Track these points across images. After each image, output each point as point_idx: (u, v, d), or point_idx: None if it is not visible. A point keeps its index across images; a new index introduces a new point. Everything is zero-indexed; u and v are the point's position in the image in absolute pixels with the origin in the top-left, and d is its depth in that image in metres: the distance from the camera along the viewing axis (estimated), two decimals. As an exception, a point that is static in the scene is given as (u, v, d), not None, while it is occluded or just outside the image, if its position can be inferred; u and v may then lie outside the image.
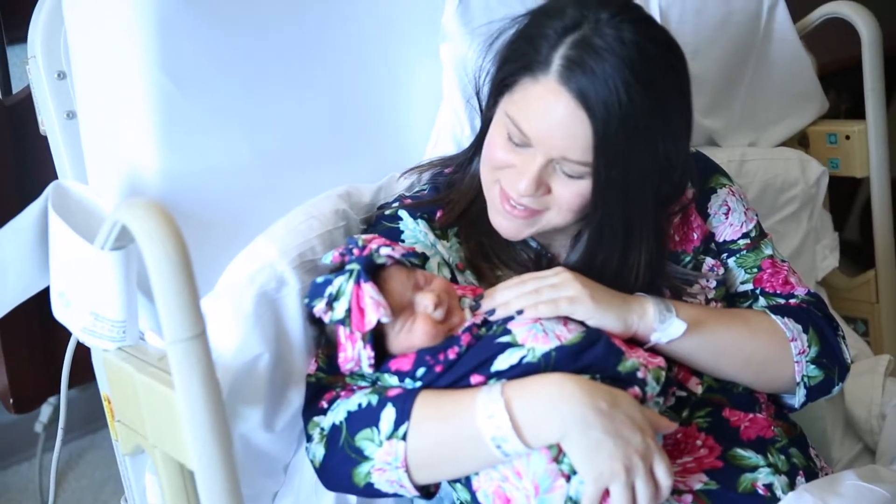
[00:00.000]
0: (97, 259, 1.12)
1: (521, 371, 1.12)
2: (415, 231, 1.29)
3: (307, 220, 1.29)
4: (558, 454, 1.09)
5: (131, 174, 1.29)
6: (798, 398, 1.30)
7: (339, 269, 1.17)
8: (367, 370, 1.16)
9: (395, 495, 1.16)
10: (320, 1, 1.42)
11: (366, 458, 1.13)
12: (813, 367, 1.28)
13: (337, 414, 1.17)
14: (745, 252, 1.37)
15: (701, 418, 1.23)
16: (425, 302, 1.17)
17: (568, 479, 1.09)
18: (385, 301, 1.13)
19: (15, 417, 2.10)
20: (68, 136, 1.36)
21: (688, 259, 1.34)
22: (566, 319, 1.18)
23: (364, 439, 1.13)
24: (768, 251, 1.38)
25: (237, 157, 1.35)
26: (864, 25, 1.76)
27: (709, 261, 1.35)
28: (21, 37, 1.40)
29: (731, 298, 1.37)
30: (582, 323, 1.18)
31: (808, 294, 1.36)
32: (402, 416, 1.12)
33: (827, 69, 1.97)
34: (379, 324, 1.14)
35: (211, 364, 1.02)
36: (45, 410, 2.22)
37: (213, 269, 1.26)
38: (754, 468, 1.19)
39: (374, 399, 1.15)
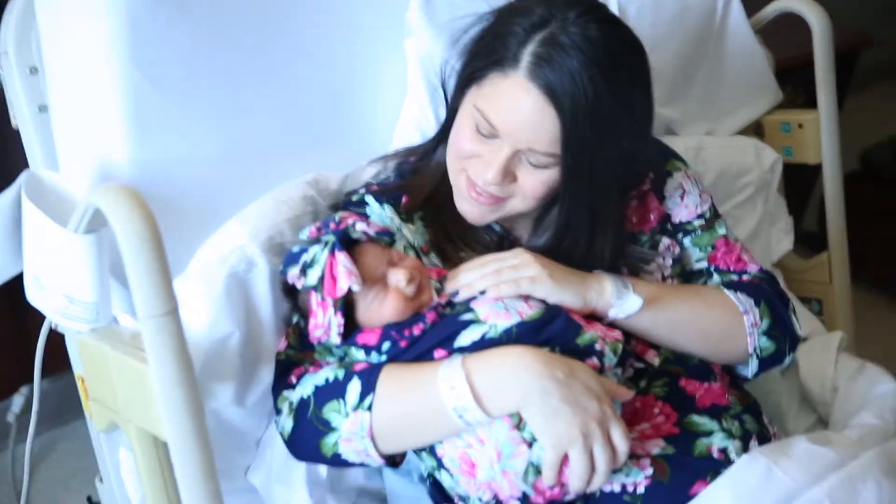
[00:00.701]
0: (70, 243, 1.15)
1: (483, 346, 1.17)
2: (381, 215, 1.33)
3: (276, 205, 1.34)
4: (519, 422, 1.13)
5: (103, 164, 1.32)
6: (751, 369, 1.34)
7: (314, 243, 1.21)
8: (336, 339, 1.19)
9: (362, 464, 1.20)
10: (287, -3, 1.46)
11: (333, 429, 1.17)
12: (765, 338, 1.33)
13: (305, 388, 1.20)
14: (699, 232, 1.42)
15: (658, 388, 1.27)
16: (398, 276, 1.20)
17: (529, 445, 1.13)
18: (357, 271, 1.17)
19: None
20: (40, 130, 1.39)
21: (645, 239, 1.39)
22: (527, 297, 1.22)
23: (331, 411, 1.17)
24: (722, 231, 1.43)
25: (207, 148, 1.39)
26: (815, 18, 1.81)
27: (665, 241, 1.40)
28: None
29: (686, 276, 1.42)
30: (542, 301, 1.23)
31: (760, 271, 1.42)
32: (368, 388, 1.16)
33: (784, 65, 2.02)
34: (350, 294, 1.18)
35: (183, 339, 1.06)
36: (17, 401, 2.23)
37: (183, 254, 1.29)
38: (709, 433, 1.23)
39: (341, 373, 1.19)
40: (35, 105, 1.39)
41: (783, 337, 1.34)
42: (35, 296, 1.25)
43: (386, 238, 1.25)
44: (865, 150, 2.95)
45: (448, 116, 1.38)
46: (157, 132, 1.34)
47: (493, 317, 1.19)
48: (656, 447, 1.20)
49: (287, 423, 1.21)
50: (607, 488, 1.17)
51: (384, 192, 1.37)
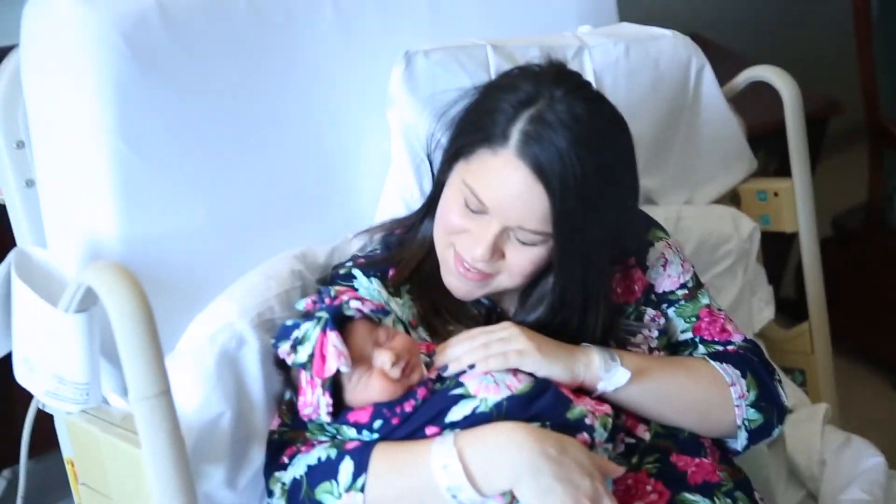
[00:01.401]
0: (61, 322, 1.15)
1: (474, 421, 1.17)
2: (369, 289, 1.34)
3: (265, 281, 1.34)
4: (511, 501, 1.13)
5: (91, 240, 1.32)
6: (740, 441, 1.35)
7: (309, 316, 1.21)
8: (325, 417, 1.19)
9: None
10: (272, 70, 1.48)
11: None
12: (752, 410, 1.33)
13: (297, 468, 1.19)
14: (683, 302, 1.43)
15: (650, 464, 1.27)
16: (383, 358, 1.20)
17: (523, 524, 1.12)
18: (347, 352, 1.17)
19: (-33, 493, 2.08)
20: (27, 205, 1.39)
21: (630, 310, 1.40)
22: (515, 371, 1.23)
23: (324, 492, 1.16)
24: (705, 300, 1.44)
25: (194, 221, 1.39)
26: (785, 88, 1.84)
27: (650, 311, 1.41)
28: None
29: (672, 347, 1.43)
30: (531, 374, 1.23)
31: (745, 341, 1.43)
32: (360, 469, 1.15)
33: (755, 132, 2.05)
34: (338, 373, 1.17)
35: (176, 421, 1.06)
36: (-1, 484, 2.20)
37: (172, 331, 1.28)
38: None
39: (333, 452, 1.18)
40: (22, 179, 1.39)
41: (771, 408, 1.35)
42: (24, 376, 1.24)
43: (380, 315, 1.25)
44: (837, 216, 2.99)
45: (434, 189, 1.39)
46: (144, 206, 1.35)
47: (483, 391, 1.19)
48: (650, 526, 1.20)
49: None
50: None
51: (371, 265, 1.38)
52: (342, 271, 1.38)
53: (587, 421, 1.19)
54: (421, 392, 1.20)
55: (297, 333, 1.18)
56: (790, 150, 1.87)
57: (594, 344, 1.30)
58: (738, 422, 1.33)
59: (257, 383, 1.28)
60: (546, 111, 1.21)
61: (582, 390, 1.27)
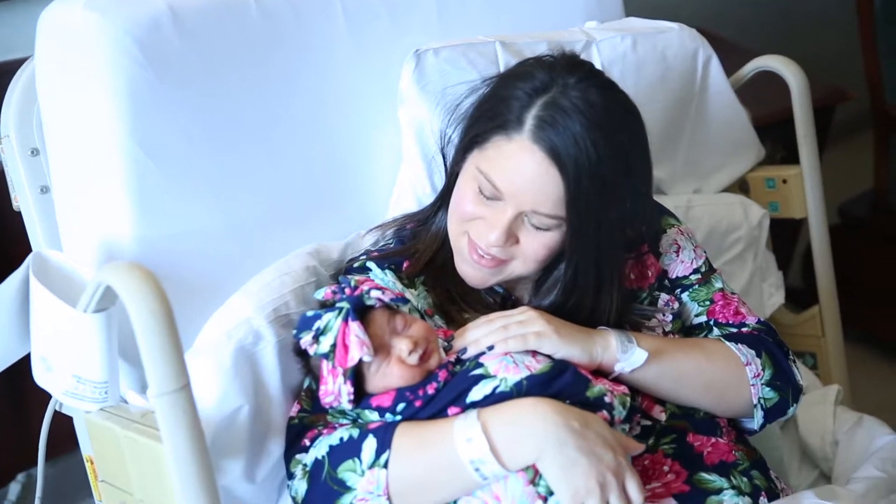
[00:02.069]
0: (79, 322, 1.17)
1: (494, 400, 1.18)
2: (384, 281, 1.35)
3: (280, 277, 1.35)
4: (534, 476, 1.14)
5: (107, 242, 1.34)
6: (756, 420, 1.35)
7: (328, 305, 1.22)
8: (347, 405, 1.20)
9: None
10: (284, 72, 1.49)
11: (348, 489, 1.16)
12: (768, 389, 1.34)
13: (319, 449, 1.20)
14: (696, 286, 1.44)
15: (666, 445, 1.28)
16: (401, 346, 1.21)
17: (545, 500, 1.13)
18: (369, 341, 1.18)
19: (-17, 497, 2.09)
20: (42, 211, 1.41)
21: (644, 296, 1.41)
22: (534, 352, 1.24)
23: (346, 470, 1.17)
24: (718, 284, 1.45)
25: (209, 223, 1.41)
26: (793, 76, 1.85)
27: (663, 296, 1.42)
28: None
29: (686, 331, 1.43)
30: (549, 356, 1.24)
31: (759, 322, 1.44)
32: (384, 446, 1.16)
33: (761, 122, 2.06)
34: (359, 362, 1.18)
35: (196, 414, 1.07)
36: (14, 488, 2.20)
37: (188, 330, 1.29)
38: (719, 491, 1.23)
39: (356, 432, 1.19)
40: (37, 186, 1.40)
41: (786, 387, 1.36)
42: (42, 377, 1.26)
43: (399, 303, 1.26)
44: (843, 204, 3.00)
45: (448, 181, 1.40)
46: (159, 208, 1.36)
47: (503, 371, 1.20)
48: (668, 506, 1.21)
49: (301, 486, 1.21)
50: (621, 548, 1.17)
51: (385, 258, 1.39)
52: (356, 265, 1.39)
53: (606, 399, 1.20)
54: (442, 374, 1.21)
55: (318, 324, 1.19)
56: (798, 137, 1.88)
57: (608, 327, 1.31)
58: (755, 401, 1.34)
59: (274, 377, 1.29)
60: (560, 97, 1.23)
61: (599, 372, 1.28)
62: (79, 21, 1.32)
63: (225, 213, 1.42)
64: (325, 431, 1.23)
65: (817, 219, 1.89)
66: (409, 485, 1.16)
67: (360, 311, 1.21)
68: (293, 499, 1.22)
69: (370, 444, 1.17)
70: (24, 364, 1.33)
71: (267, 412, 1.29)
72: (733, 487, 1.24)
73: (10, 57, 1.81)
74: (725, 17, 3.37)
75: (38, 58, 1.36)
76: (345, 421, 1.23)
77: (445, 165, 1.42)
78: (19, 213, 1.42)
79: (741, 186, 1.98)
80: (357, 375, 1.20)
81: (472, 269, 1.32)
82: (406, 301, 1.28)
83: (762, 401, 1.34)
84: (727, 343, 1.36)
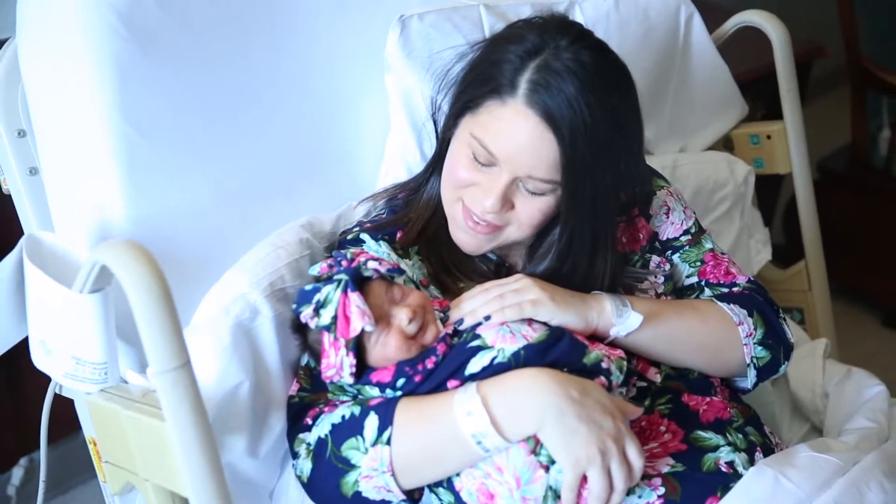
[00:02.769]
0: (76, 303, 1.16)
1: (493, 371, 1.19)
2: (378, 252, 1.35)
3: (274, 251, 1.35)
4: (535, 446, 1.15)
5: (99, 221, 1.33)
6: (750, 379, 1.37)
7: (324, 279, 1.22)
8: (348, 378, 1.20)
9: (382, 502, 1.21)
10: (268, 42, 1.48)
11: (353, 467, 1.17)
12: (760, 348, 1.36)
13: (322, 428, 1.21)
14: (687, 248, 1.45)
15: (662, 405, 1.29)
16: (400, 315, 1.22)
17: (547, 469, 1.15)
18: (370, 311, 1.19)
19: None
20: (32, 193, 1.40)
21: (636, 258, 1.42)
22: (530, 321, 1.24)
23: (350, 448, 1.18)
24: (708, 245, 1.47)
25: (200, 197, 1.40)
26: (774, 31, 1.85)
27: (655, 258, 1.43)
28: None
29: (678, 292, 1.45)
30: (545, 323, 1.25)
31: (749, 282, 1.45)
32: (385, 422, 1.17)
33: (741, 78, 2.06)
34: (360, 334, 1.19)
35: (197, 391, 1.06)
36: (17, 473, 2.20)
37: (184, 306, 1.27)
38: (716, 448, 1.25)
39: (357, 410, 1.20)
40: (25, 168, 1.39)
41: (777, 345, 1.38)
42: (41, 360, 1.25)
43: (395, 274, 1.26)
44: (822, 159, 3.01)
45: (439, 147, 1.40)
46: (150, 183, 1.36)
47: (500, 341, 1.21)
48: (666, 465, 1.22)
49: (305, 465, 1.21)
50: (621, 510, 1.19)
51: (378, 229, 1.39)
52: (350, 237, 1.39)
53: (604, 365, 1.22)
54: (441, 348, 1.22)
55: (318, 297, 1.20)
56: (781, 92, 1.88)
57: (602, 291, 1.32)
58: (747, 360, 1.36)
59: (273, 352, 1.29)
60: (553, 60, 1.22)
61: (595, 337, 1.29)
62: (59, -2, 1.30)
63: (215, 184, 1.42)
64: (326, 409, 1.24)
65: (802, 173, 1.91)
66: (413, 460, 1.17)
67: (358, 283, 1.21)
68: (298, 478, 1.23)
69: (372, 421, 1.18)
70: (21, 349, 1.33)
71: (267, 387, 1.29)
72: (729, 444, 1.26)
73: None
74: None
75: (20, 38, 1.35)
76: (345, 398, 1.24)
77: (437, 132, 1.42)
78: (9, 196, 1.41)
79: (725, 144, 1.99)
80: (358, 349, 1.21)
81: (466, 236, 1.32)
82: (402, 272, 1.29)
83: (755, 360, 1.36)
84: (719, 303, 1.38)
